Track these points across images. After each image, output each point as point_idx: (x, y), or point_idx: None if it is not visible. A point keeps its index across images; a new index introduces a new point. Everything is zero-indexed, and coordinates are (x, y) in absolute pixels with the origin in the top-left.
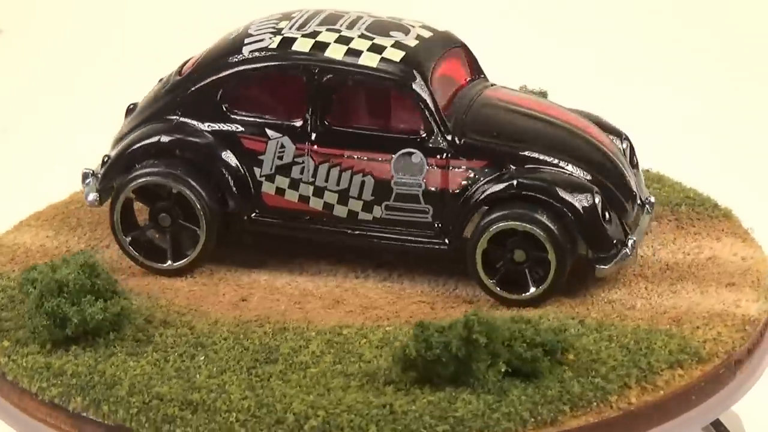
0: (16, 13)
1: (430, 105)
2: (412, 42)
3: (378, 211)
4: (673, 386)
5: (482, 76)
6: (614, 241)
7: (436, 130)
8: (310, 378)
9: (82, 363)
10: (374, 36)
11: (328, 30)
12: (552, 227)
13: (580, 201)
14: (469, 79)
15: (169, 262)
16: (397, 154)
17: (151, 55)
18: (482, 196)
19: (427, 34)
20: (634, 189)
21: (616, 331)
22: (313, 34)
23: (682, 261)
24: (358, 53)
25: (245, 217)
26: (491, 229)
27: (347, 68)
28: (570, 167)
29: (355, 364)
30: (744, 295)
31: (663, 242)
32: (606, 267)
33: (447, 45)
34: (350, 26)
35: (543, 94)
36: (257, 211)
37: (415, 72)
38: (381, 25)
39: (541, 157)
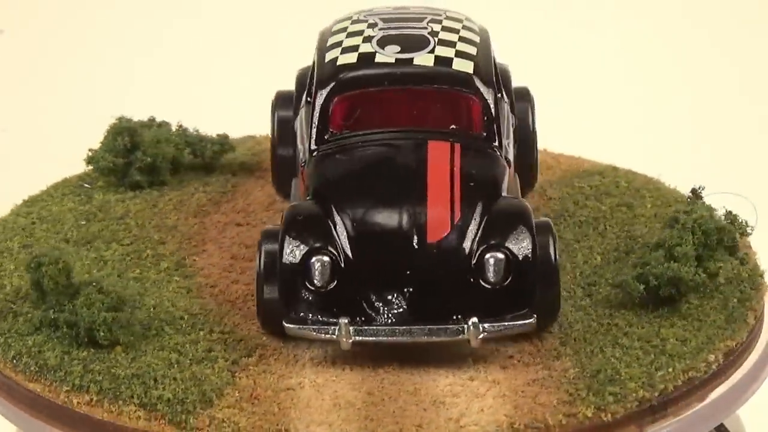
0: (16, 13)
1: (314, 115)
2: (386, 59)
3: None
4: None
5: (473, 131)
6: (310, 310)
7: (307, 140)
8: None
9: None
10: (374, 43)
11: (368, 24)
12: (258, 258)
13: (282, 249)
14: (454, 127)
15: None
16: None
17: (151, 53)
18: None
19: (426, 61)
20: (409, 285)
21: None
22: (356, 21)
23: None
24: (336, 47)
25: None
26: None
27: (317, 57)
28: (336, 220)
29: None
30: None
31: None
32: (289, 326)
33: (436, 83)
34: (387, 28)
35: None
36: None
37: (328, 81)
38: (407, 38)
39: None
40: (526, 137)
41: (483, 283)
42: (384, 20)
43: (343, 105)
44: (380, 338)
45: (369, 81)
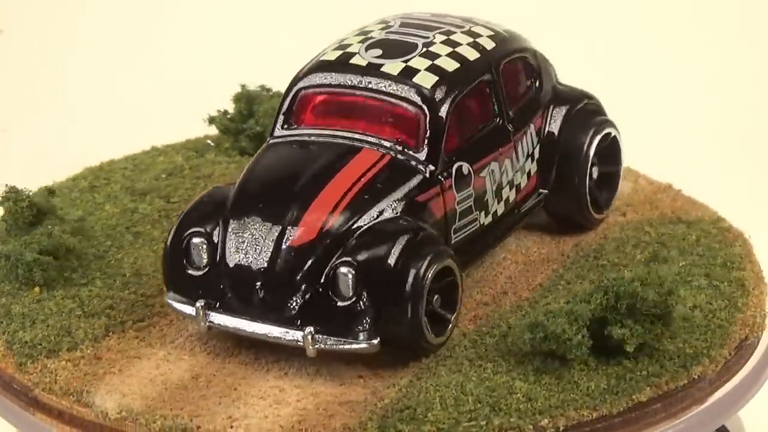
0: (16, 13)
1: (283, 105)
2: (359, 62)
3: None
4: None
5: (411, 146)
6: (185, 288)
7: (271, 128)
8: None
9: None
10: (366, 44)
11: (383, 27)
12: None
13: (177, 227)
14: (398, 138)
15: None
16: None
17: (151, 53)
18: None
19: (393, 70)
20: (263, 283)
21: None
22: (380, 22)
23: None
24: (338, 42)
25: None
26: None
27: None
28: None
29: None
30: None
31: None
32: (167, 300)
33: (387, 93)
34: (392, 32)
35: None
36: None
37: (302, 74)
38: (397, 44)
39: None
40: (573, 169)
41: (331, 295)
42: (401, 24)
43: (305, 100)
44: (228, 327)
45: (332, 81)
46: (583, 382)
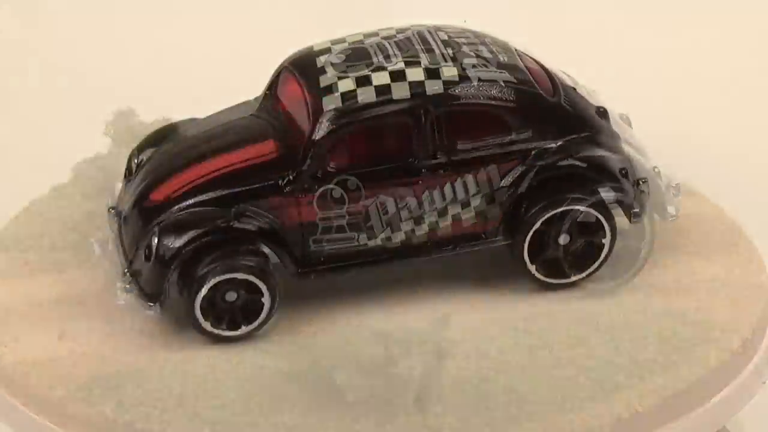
0: (17, 13)
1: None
2: (328, 59)
3: None
4: None
5: (292, 152)
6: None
7: None
8: None
9: None
10: (352, 46)
11: (392, 31)
12: None
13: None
14: (294, 141)
15: None
16: None
17: (151, 55)
18: None
19: (333, 63)
20: (121, 228)
21: None
22: (398, 29)
23: None
24: (337, 39)
25: None
26: None
27: None
28: None
29: None
30: None
31: None
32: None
33: (311, 96)
34: (387, 38)
35: None
36: None
37: (290, 56)
38: (372, 52)
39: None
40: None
41: (144, 257)
42: (410, 33)
43: (284, 80)
44: (97, 262)
45: (301, 70)
46: (286, 414)
